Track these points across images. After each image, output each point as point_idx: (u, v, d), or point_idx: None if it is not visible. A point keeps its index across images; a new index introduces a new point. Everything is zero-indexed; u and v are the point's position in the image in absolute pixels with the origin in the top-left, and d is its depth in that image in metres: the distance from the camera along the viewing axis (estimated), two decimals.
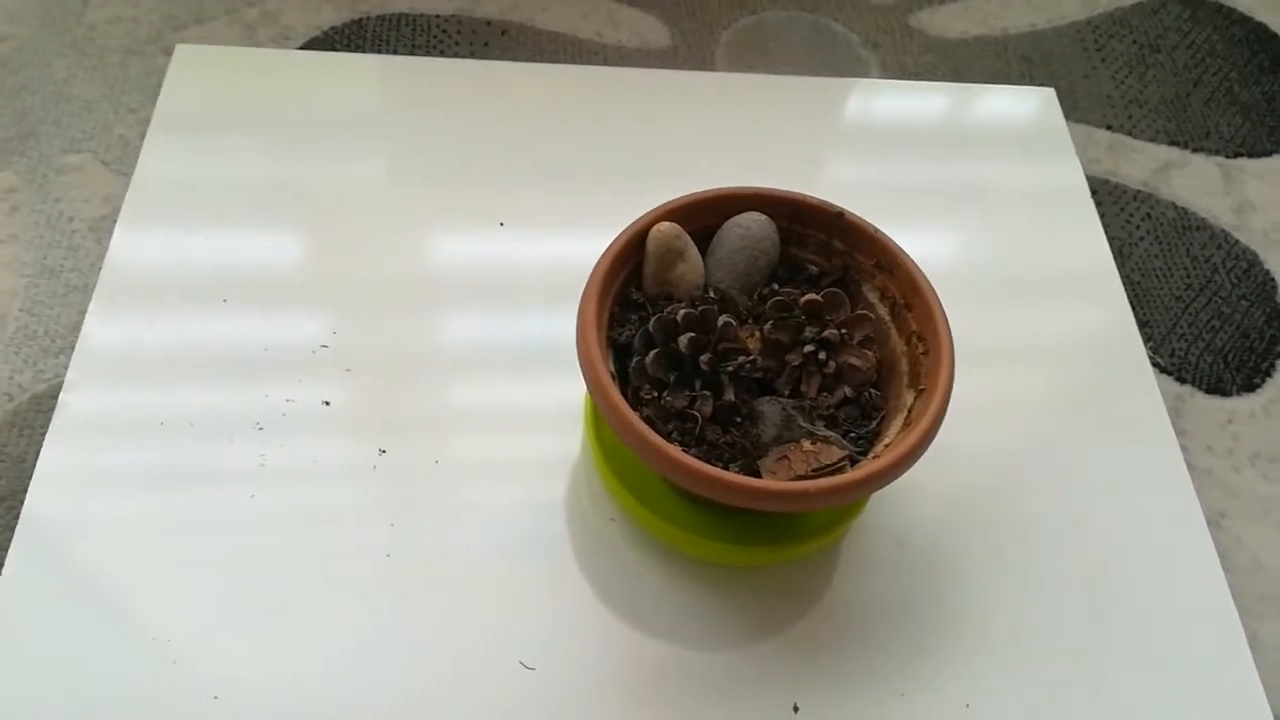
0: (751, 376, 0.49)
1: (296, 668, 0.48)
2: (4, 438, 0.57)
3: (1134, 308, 0.70)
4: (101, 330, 0.58)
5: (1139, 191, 0.79)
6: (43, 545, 0.50)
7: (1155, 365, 0.69)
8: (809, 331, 0.50)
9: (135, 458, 0.53)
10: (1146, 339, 0.70)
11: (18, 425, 0.57)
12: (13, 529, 0.50)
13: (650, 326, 0.49)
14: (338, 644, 0.49)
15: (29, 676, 0.47)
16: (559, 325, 0.61)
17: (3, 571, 0.49)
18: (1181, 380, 0.69)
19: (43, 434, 0.53)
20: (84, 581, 0.50)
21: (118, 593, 0.50)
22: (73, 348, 0.56)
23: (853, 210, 0.54)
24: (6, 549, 0.50)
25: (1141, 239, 0.76)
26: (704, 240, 0.53)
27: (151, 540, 0.51)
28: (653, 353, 0.48)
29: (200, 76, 0.70)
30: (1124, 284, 0.69)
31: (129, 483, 0.53)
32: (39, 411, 0.58)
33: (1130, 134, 0.83)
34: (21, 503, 0.51)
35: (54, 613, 0.49)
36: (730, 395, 0.48)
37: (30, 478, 0.52)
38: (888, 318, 0.52)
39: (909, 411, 0.49)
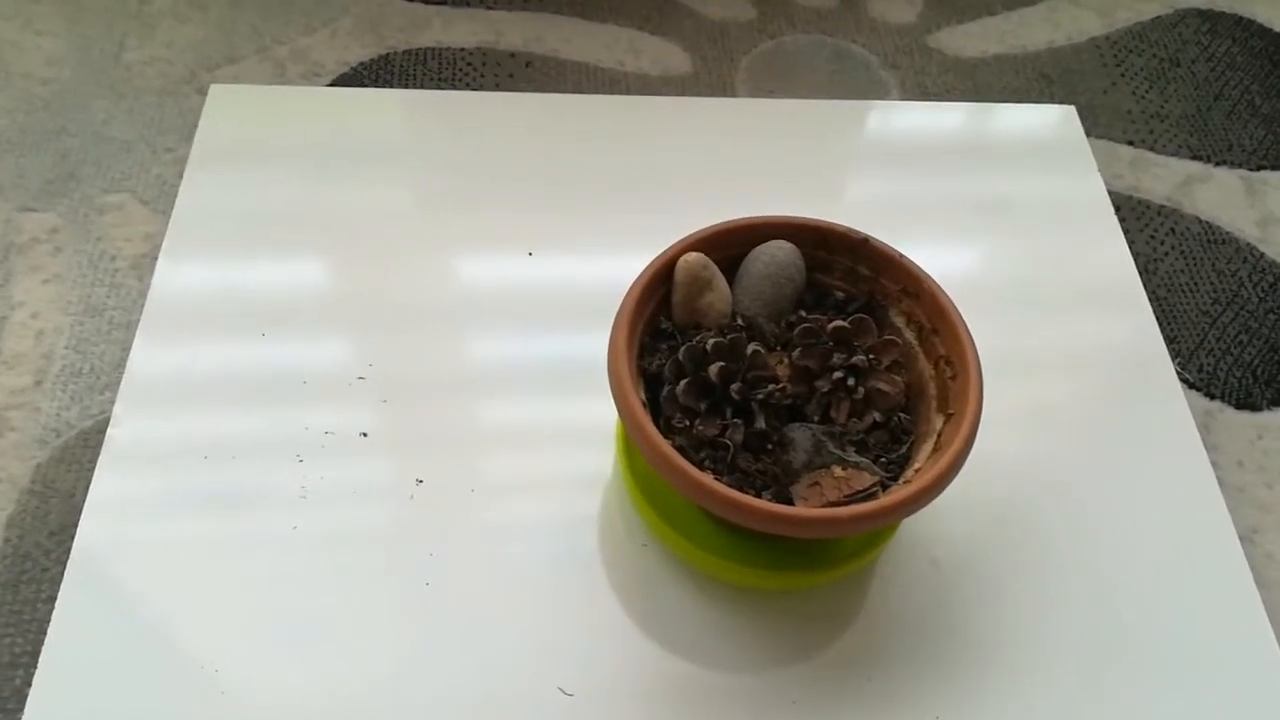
0: (781, 404, 0.50)
1: (340, 694, 0.49)
2: (54, 473, 0.59)
3: (1161, 323, 0.70)
4: (146, 363, 0.59)
5: (1163, 206, 0.79)
6: (94, 574, 0.52)
7: (1184, 381, 0.69)
8: (837, 358, 0.51)
9: (181, 488, 0.55)
10: (1175, 354, 0.70)
11: (66, 461, 0.59)
12: (64, 563, 0.52)
13: (680, 356, 0.50)
14: (381, 670, 0.50)
15: (83, 706, 0.48)
16: (589, 349, 0.62)
17: (58, 602, 0.51)
18: (1211, 396, 0.69)
19: (90, 469, 0.55)
20: (134, 610, 0.51)
21: (167, 621, 0.51)
22: (117, 384, 0.58)
23: (877, 230, 0.54)
24: (59, 581, 0.51)
25: (1167, 254, 0.77)
26: (731, 268, 0.54)
27: (198, 569, 0.53)
28: (683, 382, 0.49)
29: (234, 114, 0.72)
30: (1150, 299, 0.69)
31: (176, 513, 0.54)
32: (86, 447, 0.59)
33: (1152, 149, 0.83)
34: (73, 536, 0.52)
35: (106, 642, 0.50)
36: (761, 423, 0.49)
37: (80, 512, 0.53)
38: (915, 342, 0.53)
39: (939, 436, 0.49)
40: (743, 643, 0.53)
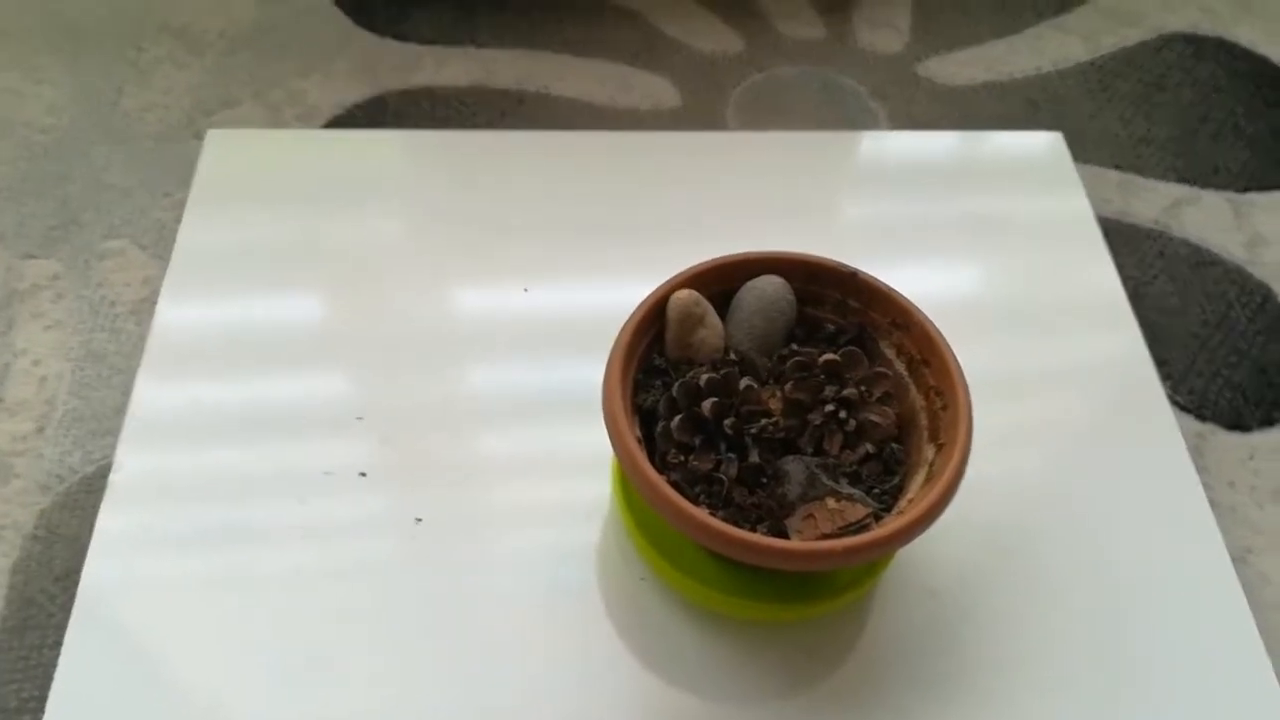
0: (775, 437, 0.51)
1: None
2: (58, 518, 0.59)
3: (1152, 346, 0.71)
4: (148, 403, 0.60)
5: (1151, 230, 0.80)
6: (100, 617, 0.52)
7: (1175, 403, 0.70)
8: (829, 390, 0.51)
9: (184, 529, 0.55)
10: (1165, 377, 0.71)
11: (69, 506, 0.60)
12: (68, 609, 0.52)
13: (674, 392, 0.51)
14: (383, 707, 0.51)
15: None
16: (585, 381, 0.62)
17: (64, 645, 0.51)
18: (1202, 418, 0.70)
19: (94, 514, 0.55)
20: (140, 652, 0.51)
21: (172, 663, 0.51)
22: (119, 429, 0.58)
23: (868, 258, 0.55)
24: (64, 627, 0.52)
25: (1156, 277, 0.77)
26: (723, 303, 0.55)
27: (202, 610, 0.53)
28: (677, 418, 0.50)
29: (232, 158, 0.73)
30: (1140, 323, 0.70)
31: (179, 554, 0.55)
32: (89, 492, 0.60)
33: (1140, 173, 0.84)
34: (77, 581, 0.53)
35: (112, 685, 0.50)
36: (755, 457, 0.50)
37: (84, 556, 0.54)
38: (905, 374, 0.54)
39: (931, 465, 0.50)
40: (741, 675, 0.53)
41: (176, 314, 0.64)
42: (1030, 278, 0.71)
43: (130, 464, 0.57)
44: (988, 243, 0.73)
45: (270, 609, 0.53)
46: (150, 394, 0.60)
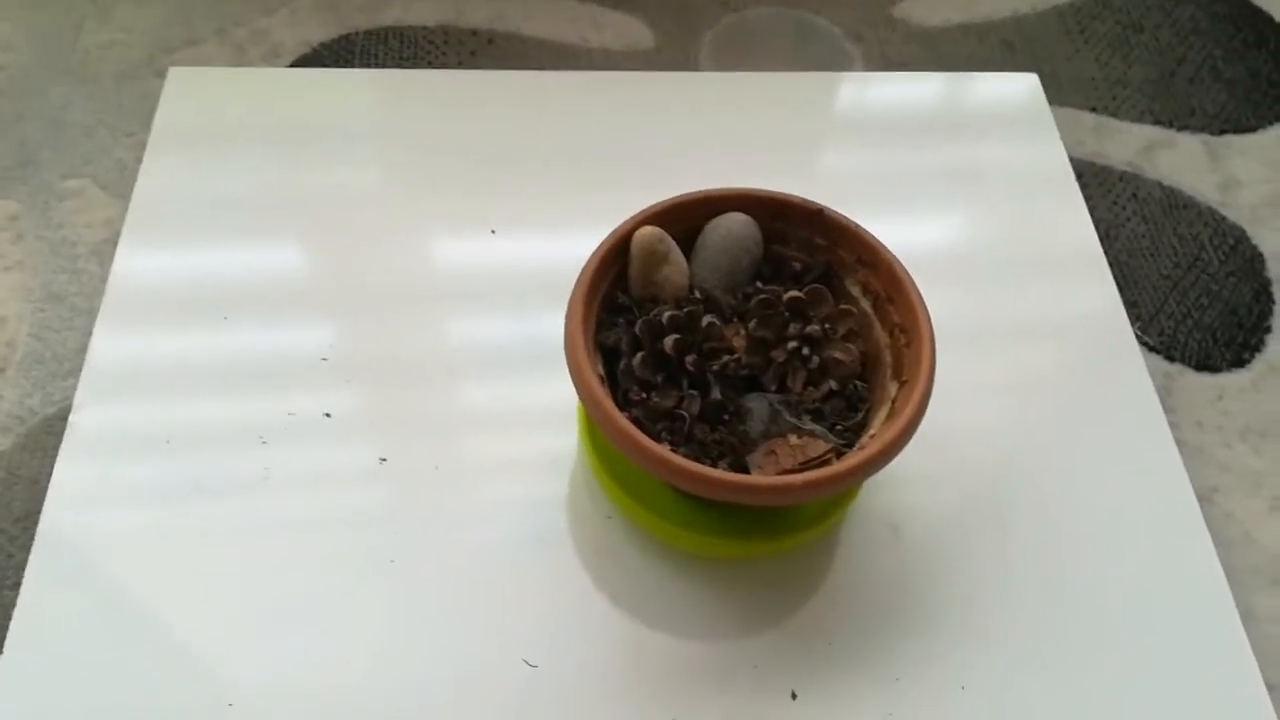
0: (738, 374, 0.50)
1: (306, 670, 0.50)
2: (18, 460, 0.59)
3: (1122, 289, 0.71)
4: (107, 350, 0.59)
5: (1124, 172, 0.80)
6: (59, 561, 0.52)
7: (1144, 345, 0.70)
8: (793, 328, 0.51)
9: (144, 473, 0.55)
10: (1135, 319, 0.71)
11: (29, 448, 0.59)
12: (29, 549, 0.52)
13: (637, 330, 0.50)
14: (346, 648, 0.51)
15: (49, 690, 0.49)
16: (553, 327, 0.62)
17: (22, 588, 0.51)
18: (1171, 359, 0.70)
19: (54, 456, 0.55)
20: (100, 594, 0.51)
21: (132, 605, 0.51)
22: (80, 371, 0.58)
23: (841, 200, 0.55)
24: (24, 567, 0.51)
25: (1128, 220, 0.77)
26: (688, 241, 0.54)
27: (163, 552, 0.53)
28: (639, 355, 0.49)
29: (194, 97, 0.71)
30: (1111, 265, 0.70)
31: (139, 498, 0.54)
32: (50, 434, 0.59)
33: (1115, 115, 0.83)
34: (37, 522, 0.52)
35: (72, 627, 0.50)
36: (717, 394, 0.49)
37: (44, 498, 0.53)
38: (870, 311, 0.53)
39: (893, 402, 0.50)
40: (706, 611, 0.53)
41: (136, 258, 0.63)
42: (1003, 223, 0.71)
43: (89, 409, 0.57)
44: (960, 188, 0.73)
45: (231, 548, 0.53)
46: (109, 339, 0.60)
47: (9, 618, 0.50)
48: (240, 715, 0.48)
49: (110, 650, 0.50)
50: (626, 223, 0.52)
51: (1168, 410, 0.65)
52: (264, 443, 0.57)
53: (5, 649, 0.49)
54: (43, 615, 0.51)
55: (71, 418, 0.56)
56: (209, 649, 0.50)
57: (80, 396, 0.57)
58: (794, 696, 0.51)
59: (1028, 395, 0.63)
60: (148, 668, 0.49)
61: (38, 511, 0.53)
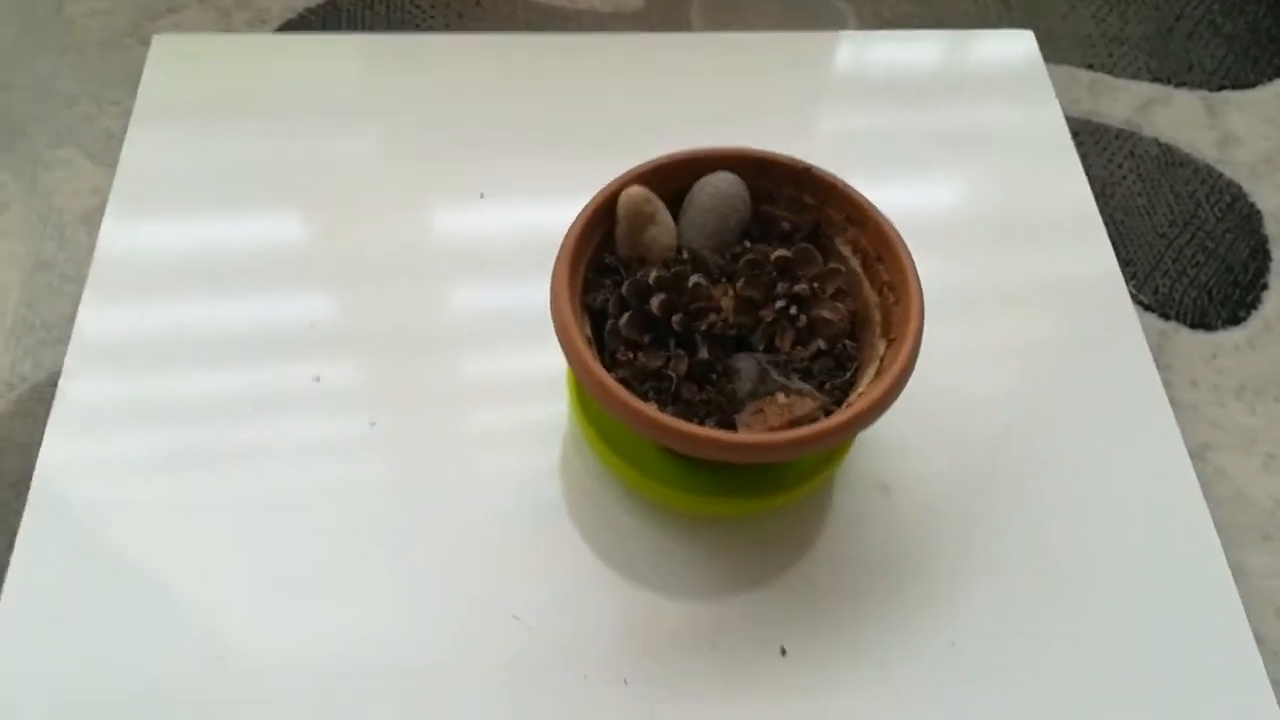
0: (725, 334, 0.50)
1: (298, 628, 0.50)
2: (9, 426, 0.59)
3: (1117, 247, 0.70)
4: (95, 319, 0.59)
5: (1121, 130, 0.79)
6: (51, 527, 0.52)
7: (1139, 303, 0.69)
8: (781, 287, 0.51)
9: (133, 442, 0.55)
10: (1130, 277, 0.70)
11: (21, 414, 0.59)
12: (21, 514, 0.52)
13: (624, 290, 0.50)
14: (338, 606, 0.51)
15: (41, 652, 0.49)
16: (543, 291, 0.62)
17: (14, 553, 0.51)
18: (1166, 317, 0.69)
19: (45, 422, 0.55)
20: (91, 555, 0.52)
21: (123, 565, 0.51)
22: (69, 339, 0.58)
23: (835, 161, 0.54)
24: (16, 533, 0.52)
25: (1124, 178, 0.76)
26: (676, 202, 0.54)
27: (153, 518, 0.53)
28: (626, 315, 0.49)
29: (178, 65, 0.71)
30: (1107, 223, 0.69)
31: (128, 466, 0.54)
32: (41, 400, 0.59)
33: (1111, 72, 0.82)
34: (29, 488, 0.53)
35: (63, 590, 0.51)
36: (704, 353, 0.49)
37: (36, 463, 0.54)
38: (860, 270, 0.53)
39: (881, 360, 0.50)
40: (696, 569, 0.53)
41: (122, 228, 0.63)
42: (998, 181, 0.70)
43: (77, 381, 0.57)
44: (956, 145, 0.72)
45: (221, 511, 0.53)
46: (96, 310, 0.59)
47: (2, 579, 0.51)
48: (232, 671, 0.49)
49: (103, 612, 0.50)
50: (613, 183, 0.52)
51: (1162, 369, 0.65)
52: (254, 406, 0.57)
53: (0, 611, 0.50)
54: (36, 579, 0.51)
55: (60, 383, 0.56)
56: (201, 610, 0.50)
57: (69, 365, 0.57)
58: (783, 652, 0.51)
59: (1021, 355, 0.63)
60: (137, 631, 0.50)
61: (30, 478, 0.53)
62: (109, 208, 0.63)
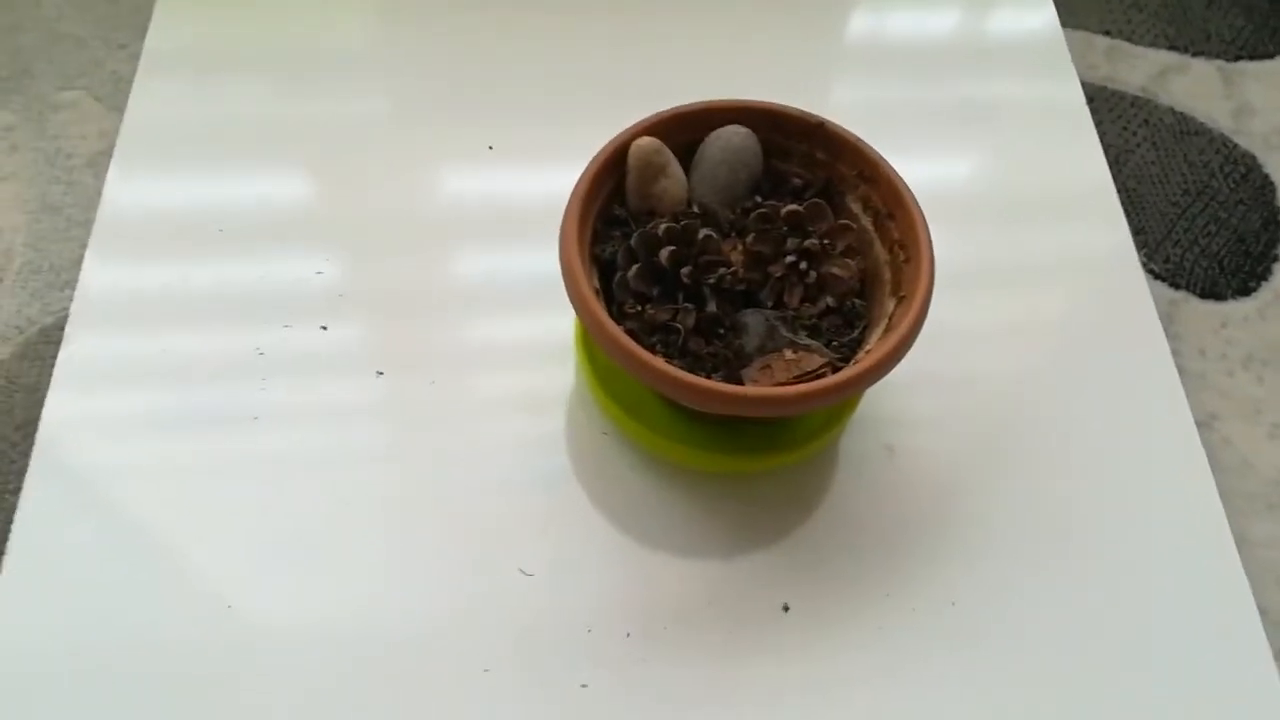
0: (734, 289, 0.50)
1: (306, 579, 0.50)
2: (17, 369, 0.59)
3: (1129, 215, 0.70)
4: (100, 271, 0.59)
5: (1136, 98, 0.78)
6: (58, 463, 0.52)
7: (1150, 272, 0.69)
8: (791, 243, 0.50)
9: (137, 398, 0.55)
10: (1141, 246, 0.70)
11: (28, 357, 0.59)
12: (29, 455, 0.52)
13: (632, 242, 0.50)
14: (346, 557, 0.51)
15: (49, 594, 0.49)
16: (552, 247, 0.61)
17: (22, 493, 0.51)
18: (1176, 286, 0.69)
19: (52, 364, 0.55)
20: (97, 497, 0.52)
21: (129, 508, 0.52)
22: (76, 281, 0.58)
23: (846, 124, 0.54)
24: (25, 473, 0.52)
25: (1139, 146, 0.76)
26: (687, 155, 0.54)
27: (158, 455, 0.53)
28: (635, 267, 0.49)
29: (187, 12, 0.70)
30: (1120, 191, 0.69)
31: (132, 422, 0.54)
32: (48, 343, 0.60)
33: (1129, 39, 0.82)
34: (37, 430, 0.53)
35: (71, 531, 0.51)
36: (713, 307, 0.49)
37: (43, 406, 0.54)
38: (871, 227, 0.53)
39: (890, 319, 0.49)
40: (700, 526, 0.54)
41: (128, 179, 0.62)
42: (1012, 149, 0.70)
43: (83, 331, 0.57)
44: (970, 111, 0.71)
45: (226, 468, 0.53)
46: (102, 261, 0.59)
47: (10, 520, 0.51)
48: (237, 629, 0.49)
49: (109, 556, 0.50)
50: (624, 133, 0.52)
51: (1171, 337, 0.65)
52: (261, 353, 0.57)
53: (7, 550, 0.50)
54: (42, 520, 0.51)
55: (66, 330, 0.56)
56: (206, 566, 0.51)
57: (74, 314, 0.57)
58: (786, 609, 0.51)
59: (1030, 321, 0.63)
60: (145, 576, 0.50)
61: (38, 419, 0.53)
62: (114, 161, 0.63)
